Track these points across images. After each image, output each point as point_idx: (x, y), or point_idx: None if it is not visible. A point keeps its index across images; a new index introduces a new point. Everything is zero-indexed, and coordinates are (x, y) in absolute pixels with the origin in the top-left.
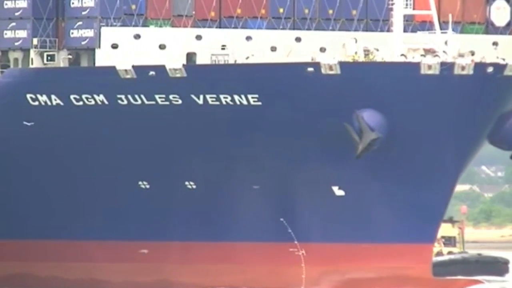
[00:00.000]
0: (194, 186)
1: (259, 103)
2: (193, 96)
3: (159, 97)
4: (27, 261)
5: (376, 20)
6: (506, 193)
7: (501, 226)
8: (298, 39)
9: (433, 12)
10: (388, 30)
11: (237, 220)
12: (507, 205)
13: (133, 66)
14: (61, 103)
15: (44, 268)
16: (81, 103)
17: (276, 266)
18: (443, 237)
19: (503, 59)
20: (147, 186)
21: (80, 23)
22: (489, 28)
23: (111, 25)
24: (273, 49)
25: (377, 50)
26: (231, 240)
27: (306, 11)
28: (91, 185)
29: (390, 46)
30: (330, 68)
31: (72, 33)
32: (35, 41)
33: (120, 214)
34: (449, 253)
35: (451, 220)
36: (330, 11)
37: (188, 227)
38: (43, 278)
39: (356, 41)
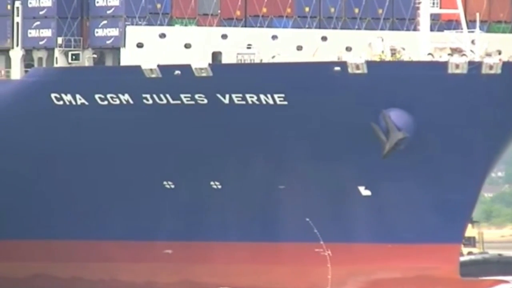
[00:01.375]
0: (219, 186)
1: (285, 102)
2: (219, 95)
3: (185, 97)
4: (49, 261)
5: (402, 19)
6: (506, 193)
7: (501, 226)
8: (324, 38)
9: (460, 11)
10: (415, 29)
11: (262, 220)
12: (507, 205)
13: (158, 66)
14: (86, 103)
15: (66, 268)
16: (106, 102)
17: (302, 267)
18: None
19: None
20: (172, 186)
21: (105, 22)
22: None
23: (136, 24)
24: (299, 48)
25: (403, 49)
26: (256, 240)
27: (332, 10)
28: (115, 184)
29: (417, 45)
30: (357, 67)
31: (97, 32)
32: (59, 40)
33: (144, 214)
34: (469, 253)
35: (470, 221)
36: (356, 10)
37: (213, 227)
38: (65, 279)
39: (382, 40)
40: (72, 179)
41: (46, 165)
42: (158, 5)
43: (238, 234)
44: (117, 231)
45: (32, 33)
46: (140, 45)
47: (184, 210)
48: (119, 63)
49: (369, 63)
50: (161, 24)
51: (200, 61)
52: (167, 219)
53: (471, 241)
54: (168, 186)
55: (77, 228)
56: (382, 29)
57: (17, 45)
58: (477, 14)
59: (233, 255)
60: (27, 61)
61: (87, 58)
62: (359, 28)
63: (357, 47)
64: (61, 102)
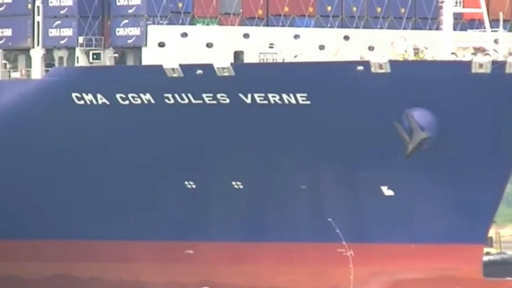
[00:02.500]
0: (241, 186)
1: (308, 102)
2: (241, 95)
3: (207, 96)
4: (69, 261)
5: (425, 18)
6: (506, 193)
7: (501, 226)
8: (346, 38)
9: (483, 10)
10: (437, 28)
11: (284, 220)
12: (508, 205)
13: (180, 65)
14: (107, 102)
15: (86, 269)
16: (127, 102)
17: (324, 267)
18: None
19: None
20: (193, 186)
21: (126, 21)
22: None
23: (157, 23)
24: (321, 47)
25: (426, 48)
26: (278, 241)
27: (354, 9)
28: (137, 184)
29: (439, 44)
30: (380, 66)
31: (118, 31)
32: (80, 39)
33: (166, 214)
34: (487, 253)
35: None
36: (379, 9)
37: (234, 227)
38: (85, 279)
39: (405, 40)
40: (93, 179)
41: (66, 165)
42: (180, 4)
43: (260, 234)
44: (138, 231)
45: (53, 32)
46: (161, 45)
47: (205, 210)
48: (140, 62)
49: (392, 63)
50: (182, 24)
51: (222, 61)
52: (188, 219)
53: (488, 241)
54: (189, 186)
55: (98, 228)
56: (404, 28)
57: (38, 44)
58: (500, 13)
59: (255, 255)
60: (48, 61)
61: (108, 58)
62: (381, 28)
63: (380, 47)
64: (82, 102)
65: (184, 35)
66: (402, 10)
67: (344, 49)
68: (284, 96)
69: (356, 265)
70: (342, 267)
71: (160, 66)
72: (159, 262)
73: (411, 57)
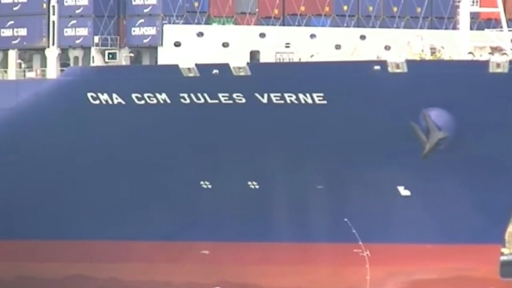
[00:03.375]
0: (257, 186)
1: (324, 102)
2: (257, 94)
3: (223, 96)
4: (86, 262)
5: (441, 17)
6: None
7: None
8: (362, 37)
9: (500, 9)
10: (454, 28)
11: (300, 220)
12: None
13: (196, 65)
14: (123, 102)
15: (103, 269)
16: (142, 102)
17: (340, 267)
18: None
19: None
20: (209, 186)
21: (142, 20)
22: None
23: (173, 23)
24: (338, 47)
25: (443, 48)
26: (294, 241)
27: (371, 8)
28: (152, 184)
29: (456, 44)
30: (397, 66)
31: (134, 31)
32: (96, 39)
33: (181, 214)
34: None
35: None
36: (395, 9)
37: (251, 227)
38: (102, 279)
39: (422, 39)
40: (108, 179)
41: (82, 164)
42: (196, 4)
43: (276, 235)
44: (154, 231)
45: (68, 32)
46: (177, 44)
47: (221, 210)
48: (156, 62)
49: (409, 62)
50: (198, 23)
51: (238, 60)
52: (204, 219)
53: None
54: (205, 186)
55: (114, 229)
56: (421, 27)
57: (53, 44)
58: None
59: (270, 256)
60: (63, 60)
61: (124, 57)
62: (398, 27)
63: (396, 46)
64: (97, 102)
65: (200, 34)
66: (419, 10)
67: (360, 49)
68: (301, 95)
69: (372, 265)
70: (359, 268)
71: (176, 66)
72: (174, 263)
73: (428, 56)
